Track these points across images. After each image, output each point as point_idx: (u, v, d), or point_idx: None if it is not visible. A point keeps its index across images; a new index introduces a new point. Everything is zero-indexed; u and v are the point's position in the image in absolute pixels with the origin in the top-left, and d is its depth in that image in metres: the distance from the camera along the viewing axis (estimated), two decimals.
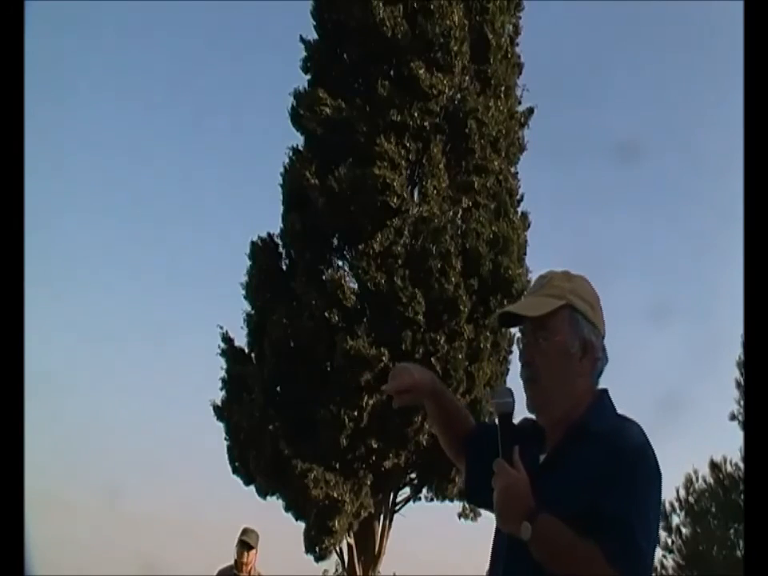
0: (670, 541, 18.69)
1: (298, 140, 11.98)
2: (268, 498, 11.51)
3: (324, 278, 11.32)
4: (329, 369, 10.98)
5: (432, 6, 11.50)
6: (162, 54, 25.11)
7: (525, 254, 11.99)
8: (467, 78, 11.85)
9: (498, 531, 1.90)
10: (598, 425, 1.83)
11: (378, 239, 10.98)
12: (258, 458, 11.10)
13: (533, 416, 1.97)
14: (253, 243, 11.98)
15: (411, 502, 12.27)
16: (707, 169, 26.19)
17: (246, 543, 6.78)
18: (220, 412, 11.68)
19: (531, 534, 1.69)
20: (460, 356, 10.97)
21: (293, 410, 10.92)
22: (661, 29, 28.36)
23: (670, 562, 18.75)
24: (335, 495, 10.67)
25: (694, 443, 21.19)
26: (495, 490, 1.77)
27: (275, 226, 12.06)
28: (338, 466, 10.97)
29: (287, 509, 11.37)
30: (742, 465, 17.90)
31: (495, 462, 1.79)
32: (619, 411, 1.92)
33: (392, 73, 11.59)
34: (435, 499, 12.04)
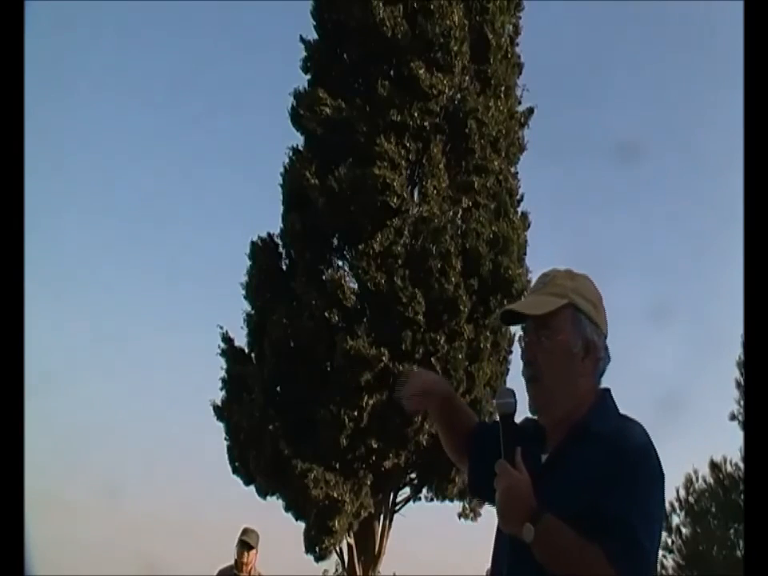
0: (670, 541, 18.71)
1: (298, 140, 12.00)
2: (268, 498, 11.51)
3: (324, 277, 11.33)
4: (329, 369, 10.98)
5: (432, 6, 11.50)
6: (162, 54, 25.11)
7: (525, 253, 12.00)
8: (467, 78, 11.86)
9: (499, 531, 1.89)
10: (601, 425, 1.83)
11: (377, 239, 10.98)
12: (257, 457, 11.10)
13: (534, 416, 1.96)
14: (253, 243, 11.98)
15: (411, 502, 12.28)
16: (707, 169, 26.19)
17: (246, 543, 6.78)
18: (220, 412, 11.68)
19: (534, 536, 1.68)
20: (460, 356, 10.97)
21: (293, 410, 10.92)
22: (661, 29, 28.37)
23: (670, 562, 18.77)
24: (335, 495, 10.67)
25: (694, 443, 21.19)
26: (497, 491, 1.76)
27: (275, 226, 12.08)
28: (337, 466, 10.97)
29: (287, 509, 11.38)
30: (742, 465, 17.91)
31: (497, 463, 1.79)
32: (620, 411, 1.92)
33: (392, 73, 11.59)
34: (435, 499, 12.04)
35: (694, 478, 19.20)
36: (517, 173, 12.58)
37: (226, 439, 11.70)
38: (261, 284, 11.77)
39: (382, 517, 11.81)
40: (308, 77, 12.21)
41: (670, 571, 18.83)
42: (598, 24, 26.49)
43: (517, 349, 11.84)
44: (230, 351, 11.90)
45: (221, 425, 11.68)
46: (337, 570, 19.34)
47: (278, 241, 12.02)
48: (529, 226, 12.35)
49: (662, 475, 1.80)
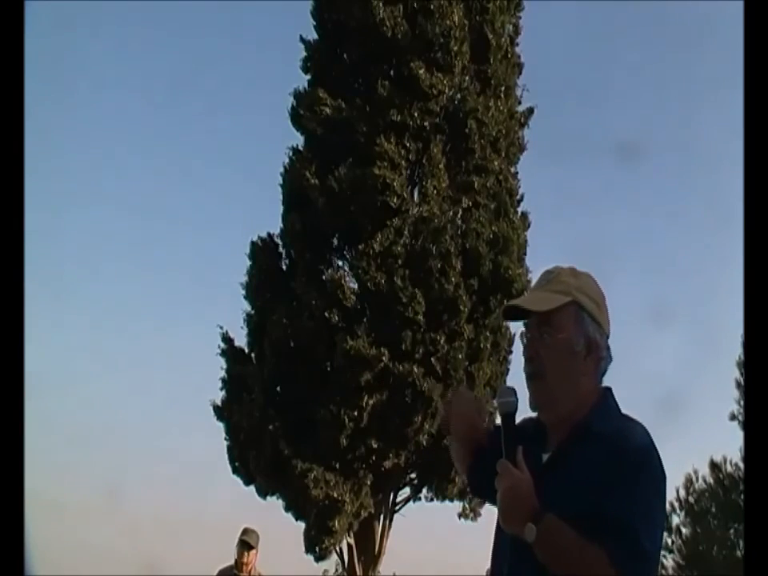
0: (670, 541, 18.70)
1: (298, 140, 12.00)
2: (268, 498, 11.51)
3: (324, 277, 11.33)
4: (329, 369, 10.98)
5: (432, 6, 11.50)
6: (162, 54, 25.11)
7: (525, 254, 12.00)
8: (467, 78, 11.86)
9: (499, 531, 1.88)
10: (602, 425, 1.82)
11: (377, 239, 10.98)
12: (257, 457, 11.10)
13: (534, 414, 1.96)
14: (253, 243, 11.98)
15: (411, 502, 12.28)
16: (707, 169, 26.19)
17: (246, 543, 6.79)
18: (220, 412, 11.68)
19: (535, 536, 1.68)
20: (460, 356, 10.98)
21: (293, 410, 10.92)
22: (661, 29, 28.37)
23: (670, 562, 18.77)
24: (335, 495, 10.67)
25: (694, 443, 21.19)
26: (499, 491, 1.76)
27: (275, 226, 12.08)
28: (338, 465, 10.97)
29: (287, 509, 11.38)
30: (742, 465, 17.91)
31: (498, 462, 1.78)
32: (622, 411, 1.92)
33: (392, 73, 11.59)
34: (435, 499, 12.04)
35: (693, 478, 19.22)
36: (517, 173, 12.59)
37: (226, 439, 11.71)
38: (261, 284, 11.77)
39: (382, 517, 11.81)
40: (308, 77, 12.22)
41: (670, 571, 18.83)
42: (598, 24, 26.49)
43: (517, 349, 11.85)
44: (230, 351, 11.90)
45: (221, 425, 11.69)
46: (337, 570, 19.33)
47: (278, 241, 12.03)
48: (529, 226, 12.36)
49: (664, 477, 1.80)
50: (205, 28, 25.53)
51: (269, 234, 12.05)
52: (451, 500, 11.94)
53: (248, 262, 11.91)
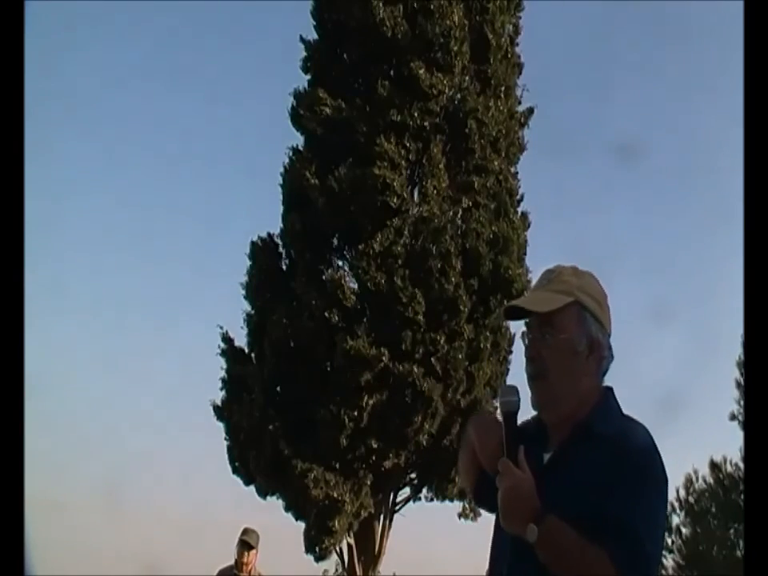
0: (670, 541, 18.71)
1: (298, 140, 12.00)
2: (268, 498, 11.51)
3: (324, 277, 11.33)
4: (329, 369, 10.98)
5: (432, 6, 11.50)
6: (162, 54, 25.11)
7: (525, 254, 12.00)
8: (467, 78, 11.86)
9: (498, 531, 1.88)
10: (604, 426, 1.82)
11: (377, 239, 10.98)
12: (257, 457, 11.10)
13: (535, 413, 1.96)
14: (253, 243, 11.98)
15: (411, 502, 12.28)
16: (707, 168, 26.19)
17: (246, 543, 6.79)
18: (220, 412, 11.68)
19: (537, 536, 1.68)
20: (460, 356, 10.97)
21: (293, 410, 10.92)
22: (661, 28, 28.37)
23: (670, 562, 18.79)
24: (335, 495, 10.67)
25: (694, 443, 21.19)
26: (500, 491, 1.75)
27: (275, 226, 12.08)
28: (338, 465, 10.97)
29: (287, 509, 11.38)
30: (742, 465, 17.92)
31: (500, 461, 1.78)
32: (623, 410, 1.92)
33: (392, 73, 11.59)
34: (435, 499, 12.04)
35: (693, 478, 19.23)
36: (517, 173, 12.59)
37: (226, 439, 11.71)
38: (261, 284, 11.77)
39: (382, 517, 11.81)
40: (308, 77, 12.22)
41: (670, 571, 18.84)
42: (598, 24, 26.49)
43: (517, 349, 11.85)
44: (230, 351, 11.90)
45: (221, 425, 11.69)
46: (337, 570, 19.34)
47: (278, 241, 12.03)
48: (529, 226, 12.36)
49: (666, 478, 1.79)
50: (205, 28, 25.55)
51: (269, 234, 12.05)
52: (451, 500, 11.94)
53: (248, 262, 11.92)
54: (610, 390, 1.94)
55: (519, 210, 12.32)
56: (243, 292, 11.88)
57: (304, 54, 12.24)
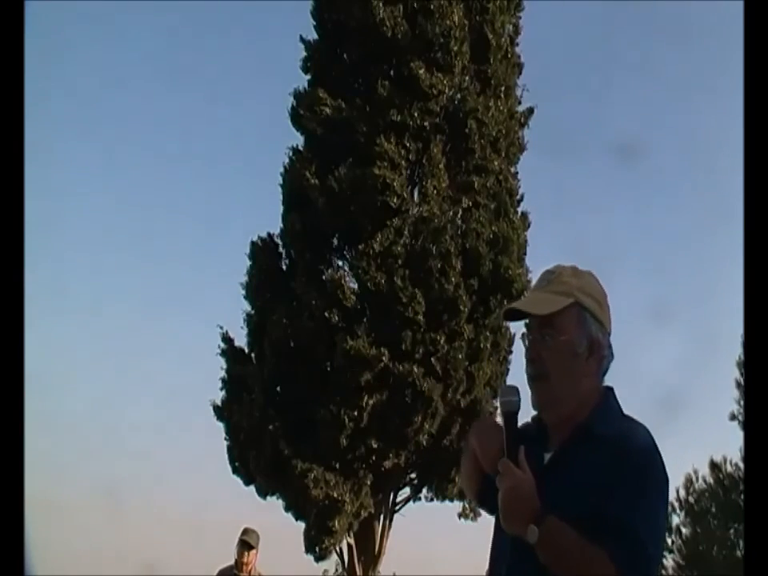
0: (670, 541, 18.70)
1: (298, 140, 12.00)
2: (268, 498, 11.51)
3: (324, 277, 11.33)
4: (329, 369, 10.98)
5: (432, 6, 11.50)
6: (161, 54, 25.10)
7: (525, 253, 12.00)
8: (467, 78, 11.85)
9: (498, 531, 1.88)
10: (605, 427, 1.82)
11: (377, 239, 10.98)
12: (257, 457, 11.10)
13: (535, 413, 1.95)
14: (253, 243, 11.98)
15: (411, 502, 12.28)
16: (707, 168, 26.18)
17: (246, 543, 6.79)
18: (220, 412, 11.68)
19: (537, 537, 1.68)
20: (460, 356, 10.97)
21: (293, 410, 10.92)
22: (661, 28, 28.35)
23: (670, 562, 18.78)
24: (335, 495, 10.67)
25: (694, 443, 21.18)
26: (500, 491, 1.75)
27: (275, 226, 12.08)
28: (338, 465, 10.97)
29: (287, 509, 11.38)
30: (742, 465, 17.92)
31: (500, 462, 1.78)
32: (623, 410, 1.92)
33: (392, 73, 11.59)
34: (435, 499, 12.04)
35: (693, 478, 19.23)
36: (517, 173, 12.59)
37: (226, 439, 11.71)
38: (261, 284, 11.77)
39: (381, 517, 11.81)
40: (308, 77, 12.21)
41: (670, 571, 18.84)
42: (598, 24, 26.49)
43: (517, 349, 11.86)
44: (230, 351, 11.90)
45: (221, 425, 11.69)
46: (337, 570, 19.34)
47: (278, 241, 12.02)
48: (529, 226, 12.35)
49: (666, 479, 1.79)
50: (205, 28, 25.53)
51: (269, 234, 12.05)
52: (451, 500, 11.93)
53: (248, 262, 11.92)
54: (610, 390, 1.94)
55: (519, 210, 12.33)
56: (243, 292, 11.89)
57: (304, 54, 12.24)
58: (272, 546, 8.22)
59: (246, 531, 6.86)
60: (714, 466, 19.02)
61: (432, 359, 10.81)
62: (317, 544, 11.05)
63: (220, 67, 25.99)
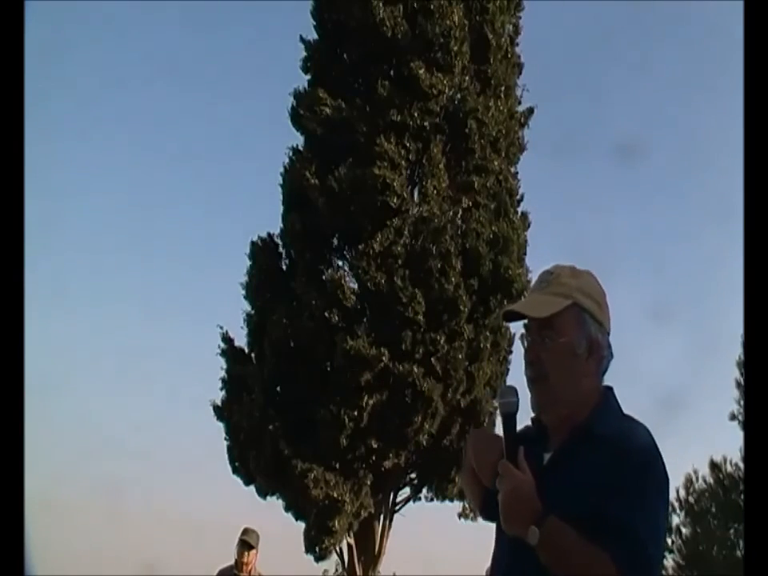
0: (670, 541, 18.70)
1: (298, 140, 12.00)
2: (268, 498, 11.51)
3: (324, 277, 11.32)
4: (329, 369, 10.98)
5: (432, 6, 11.50)
6: (161, 54, 25.10)
7: (525, 254, 12.00)
8: (467, 78, 11.85)
9: (500, 531, 1.87)
10: (605, 427, 1.81)
11: (377, 239, 10.98)
12: (257, 457, 11.10)
13: (535, 414, 1.95)
14: (253, 243, 11.98)
15: (411, 502, 12.27)
16: (707, 168, 26.20)
17: (246, 543, 6.79)
18: (220, 412, 11.68)
19: (538, 538, 1.68)
20: (460, 356, 10.97)
21: (293, 410, 10.92)
22: (661, 28, 28.37)
23: (670, 562, 18.78)
24: (335, 495, 10.66)
25: (694, 443, 21.19)
26: (500, 493, 1.75)
27: (275, 226, 12.08)
28: (338, 465, 10.97)
29: (287, 509, 11.38)
30: (742, 465, 17.92)
31: (500, 463, 1.77)
32: (623, 410, 1.92)
33: (392, 73, 11.59)
34: (435, 499, 12.04)
35: (693, 478, 19.24)
36: (517, 173, 12.59)
37: (226, 439, 11.70)
38: (261, 284, 11.77)
39: (381, 517, 11.81)
40: (308, 77, 12.21)
41: (670, 571, 18.84)
42: (598, 24, 26.49)
43: (517, 349, 11.85)
44: (230, 351, 11.90)
45: (221, 425, 11.69)
46: (337, 570, 19.34)
47: (278, 241, 12.02)
48: (529, 226, 12.36)
49: (667, 479, 1.79)
50: (205, 28, 25.54)
51: (269, 234, 12.05)
52: (451, 500, 11.93)
53: (248, 262, 11.92)
54: (610, 389, 1.94)
55: (519, 209, 12.33)
56: (243, 292, 11.89)
57: (304, 54, 12.24)
58: (272, 546, 8.23)
59: (245, 531, 6.86)
60: (714, 466, 19.02)
61: (432, 359, 10.81)
62: (317, 544, 11.05)
63: (220, 67, 26.01)
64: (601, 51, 27.11)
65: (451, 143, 11.70)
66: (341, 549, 11.61)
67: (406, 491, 12.28)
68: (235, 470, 11.67)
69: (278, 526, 11.90)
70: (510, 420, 1.85)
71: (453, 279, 10.93)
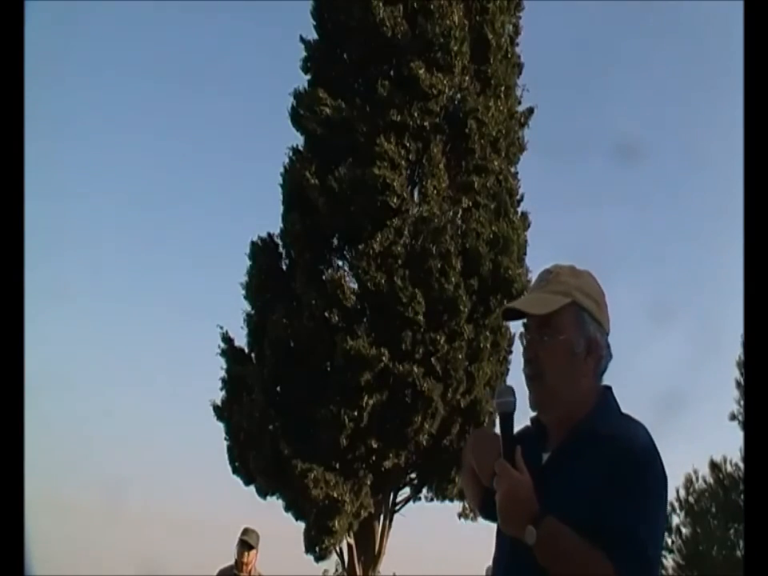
0: (670, 541, 18.69)
1: (298, 140, 12.00)
2: (268, 498, 11.51)
3: (324, 278, 11.32)
4: (329, 369, 10.98)
5: (432, 6, 11.49)
6: (161, 54, 25.11)
7: (525, 254, 12.00)
8: (467, 78, 11.85)
9: (500, 532, 1.87)
10: (603, 426, 1.81)
11: (377, 239, 10.97)
12: (257, 458, 11.10)
13: (534, 413, 1.95)
14: (253, 243, 11.98)
15: (411, 502, 12.27)
16: (707, 168, 26.20)
17: (246, 543, 6.79)
18: (220, 412, 11.68)
19: (535, 538, 1.68)
20: (460, 356, 10.97)
21: (293, 410, 10.92)
22: (661, 28, 28.35)
23: (670, 562, 18.76)
24: (335, 495, 10.66)
25: (694, 443, 21.19)
26: (498, 493, 1.75)
27: (275, 226, 12.08)
28: (338, 465, 10.97)
29: (287, 509, 11.37)
30: (742, 465, 17.91)
31: (497, 463, 1.77)
32: (622, 410, 1.92)
33: (392, 73, 11.58)
34: (435, 499, 12.04)
35: (693, 478, 19.21)
36: (517, 173, 12.59)
37: (226, 439, 11.70)
38: (261, 284, 11.77)
39: (381, 517, 11.81)
40: (308, 77, 12.21)
41: (670, 571, 18.82)
42: (598, 24, 26.49)
43: (517, 348, 11.85)
44: (230, 351, 11.90)
45: (221, 425, 11.69)
46: (337, 570, 19.32)
47: (278, 241, 12.02)
48: (529, 226, 12.35)
49: (665, 479, 1.79)
50: (205, 28, 25.54)
51: (269, 234, 12.05)
52: (451, 500, 11.93)
53: (248, 262, 11.92)
54: (608, 389, 1.94)
55: (519, 209, 12.33)
56: (243, 292, 11.89)
57: (304, 54, 12.24)
58: (272, 546, 8.23)
59: (246, 531, 6.86)
60: (714, 466, 19.00)
61: (432, 359, 10.80)
62: (317, 544, 11.05)
63: (220, 67, 25.99)
64: (601, 51, 27.09)
65: (451, 143, 11.70)
66: (341, 549, 11.61)
67: (406, 491, 12.29)
68: (235, 470, 11.67)
69: (278, 526, 11.93)
70: (507, 419, 1.85)
71: (453, 279, 10.93)
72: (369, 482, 11.15)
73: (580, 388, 1.87)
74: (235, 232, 23.96)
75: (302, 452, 10.70)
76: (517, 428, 1.89)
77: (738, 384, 17.82)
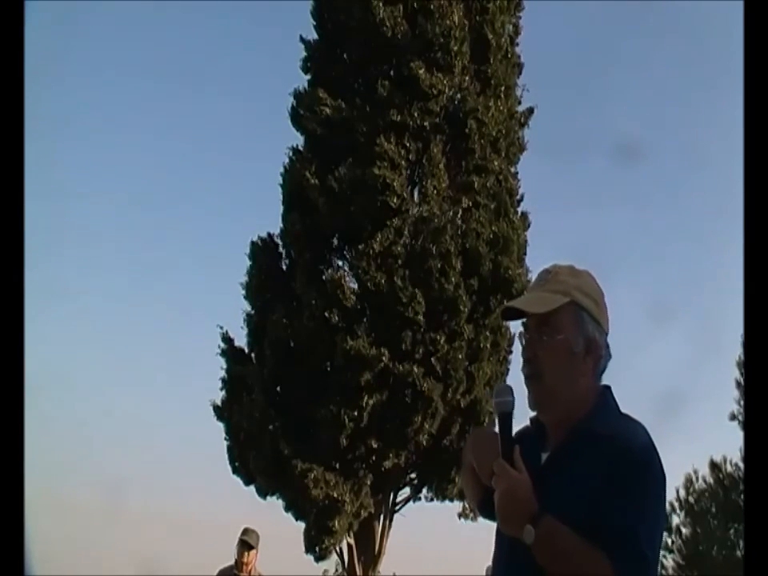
0: (670, 541, 18.70)
1: (298, 140, 11.99)
2: (268, 498, 11.51)
3: (324, 278, 11.32)
4: (329, 369, 10.97)
5: (432, 6, 11.49)
6: (161, 53, 25.11)
7: (525, 254, 11.99)
8: (467, 78, 11.84)
9: (499, 532, 1.87)
10: (602, 426, 1.81)
11: (377, 239, 10.97)
12: (257, 458, 11.10)
13: (534, 413, 1.95)
14: (253, 243, 11.97)
15: (411, 502, 12.27)
16: (707, 168, 26.20)
17: (246, 543, 6.79)
18: (220, 412, 11.67)
19: (534, 538, 1.68)
20: (460, 356, 10.97)
21: (293, 410, 10.92)
22: (661, 28, 28.35)
23: (670, 562, 18.76)
24: (335, 495, 10.66)
25: (694, 443, 21.19)
26: (496, 493, 1.75)
27: (275, 226, 12.07)
28: (338, 465, 10.97)
29: (287, 509, 11.37)
30: (742, 465, 17.91)
31: (495, 462, 1.77)
32: (621, 410, 1.91)
33: (392, 73, 11.58)
34: (435, 499, 12.03)
35: (693, 478, 19.21)
36: (517, 173, 12.58)
37: (225, 439, 11.70)
38: (261, 284, 11.77)
39: (381, 517, 11.81)
40: (308, 77, 12.21)
41: (670, 571, 18.82)
42: (598, 24, 26.48)
43: (517, 348, 11.82)
44: (230, 351, 11.90)
45: (221, 425, 11.69)
46: (337, 570, 19.32)
47: (278, 241, 12.02)
48: (529, 226, 12.35)
49: (664, 478, 1.79)
50: (205, 29, 25.54)
51: (269, 234, 12.05)
52: (451, 500, 11.93)
53: (248, 262, 11.92)
54: (608, 389, 1.94)
55: (519, 209, 12.32)
56: (243, 292, 11.88)
57: (304, 54, 12.24)
58: (272, 546, 8.23)
59: (246, 531, 6.86)
60: (714, 466, 19.00)
61: (432, 359, 10.80)
62: (317, 544, 11.05)
63: (220, 67, 25.99)
64: (601, 51, 27.08)
65: (451, 143, 11.70)
66: (341, 549, 11.61)
67: (406, 491, 12.29)
68: (235, 470, 11.66)
69: (278, 526, 11.92)
70: (505, 419, 1.85)
71: (453, 279, 10.93)
72: (369, 482, 11.14)
73: (579, 388, 1.87)
74: (235, 232, 23.97)
75: (301, 452, 10.70)
76: (516, 428, 1.89)
77: (738, 384, 17.82)
